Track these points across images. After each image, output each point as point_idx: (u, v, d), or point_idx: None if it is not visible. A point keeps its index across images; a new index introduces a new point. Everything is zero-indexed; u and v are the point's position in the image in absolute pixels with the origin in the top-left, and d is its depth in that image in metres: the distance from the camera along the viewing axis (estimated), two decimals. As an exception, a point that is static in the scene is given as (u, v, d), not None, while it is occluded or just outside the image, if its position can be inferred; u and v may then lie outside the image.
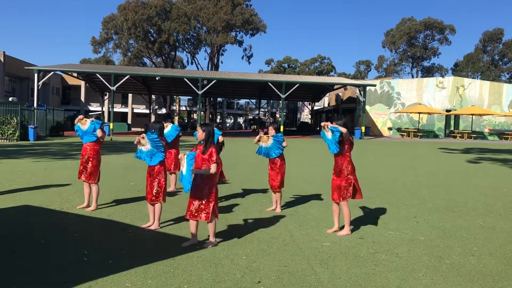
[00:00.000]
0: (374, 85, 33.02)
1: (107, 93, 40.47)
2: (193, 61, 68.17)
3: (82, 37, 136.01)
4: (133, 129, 45.37)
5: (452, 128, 36.82)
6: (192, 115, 70.06)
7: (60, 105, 43.49)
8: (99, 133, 5.99)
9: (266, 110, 76.28)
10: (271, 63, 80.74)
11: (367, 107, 34.81)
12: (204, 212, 4.30)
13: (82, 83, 49.56)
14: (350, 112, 39.28)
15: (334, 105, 44.85)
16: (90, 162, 5.98)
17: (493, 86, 36.75)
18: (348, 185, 4.92)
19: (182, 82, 32.67)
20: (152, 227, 5.03)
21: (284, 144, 6.13)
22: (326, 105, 52.07)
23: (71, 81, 50.14)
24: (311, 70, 75.64)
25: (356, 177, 5.00)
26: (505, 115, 34.89)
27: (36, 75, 28.48)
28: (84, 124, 6.03)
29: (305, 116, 61.46)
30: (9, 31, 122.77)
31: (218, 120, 66.34)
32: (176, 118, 55.64)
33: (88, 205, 6.03)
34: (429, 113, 34.44)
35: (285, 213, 6.02)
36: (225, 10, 46.70)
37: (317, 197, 7.32)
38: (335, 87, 37.57)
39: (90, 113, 49.40)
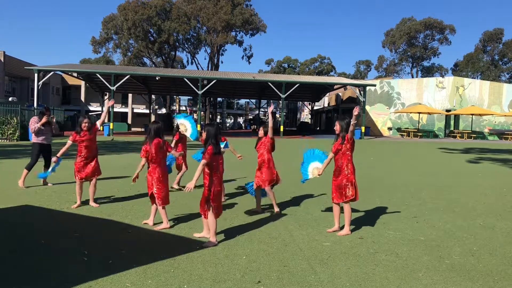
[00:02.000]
0: (374, 85, 33.02)
1: (107, 93, 40.47)
2: (193, 61, 68.18)
3: (82, 37, 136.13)
4: (133, 129, 45.36)
5: (452, 128, 36.82)
6: (192, 115, 70.03)
7: (60, 105, 43.50)
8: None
9: (266, 110, 76.29)
10: (271, 63, 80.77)
11: (367, 107, 34.80)
12: (204, 209, 4.46)
13: (82, 83, 49.58)
14: (350, 112, 39.23)
15: (334, 105, 44.86)
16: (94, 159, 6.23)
17: (493, 86, 36.75)
18: (349, 184, 4.88)
19: (182, 82, 32.67)
20: (162, 227, 5.04)
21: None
22: (326, 105, 52.07)
23: (71, 81, 50.14)
24: (311, 70, 75.64)
25: (355, 178, 4.99)
26: (505, 115, 34.90)
27: (36, 75, 28.48)
28: None
29: (305, 116, 61.48)
30: (9, 31, 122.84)
31: (218, 120, 66.25)
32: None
33: (80, 205, 6.11)
34: (429, 113, 34.44)
35: (285, 213, 6.01)
36: (225, 10, 46.69)
37: (317, 197, 7.32)
38: (335, 87, 37.56)
39: (90, 113, 49.42)
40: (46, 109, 8.00)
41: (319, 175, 5.42)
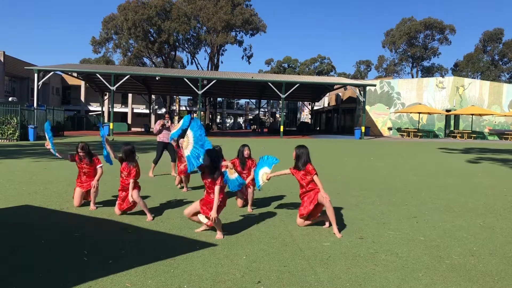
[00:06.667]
0: (374, 85, 33.02)
1: (107, 93, 40.48)
2: (193, 61, 68.31)
3: (82, 37, 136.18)
4: (133, 129, 45.36)
5: (452, 128, 36.83)
6: (192, 115, 70.02)
7: (60, 105, 43.50)
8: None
9: (266, 110, 76.33)
10: (271, 63, 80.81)
11: (367, 107, 34.82)
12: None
13: (82, 83, 49.61)
14: (350, 112, 39.28)
15: (334, 105, 44.87)
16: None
17: (493, 86, 36.75)
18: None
19: (182, 82, 32.68)
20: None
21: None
22: (326, 105, 52.10)
23: (71, 81, 50.17)
24: (311, 70, 75.67)
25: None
26: (505, 115, 34.89)
27: (36, 75, 28.49)
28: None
29: (305, 116, 61.49)
30: (9, 31, 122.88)
31: (218, 120, 66.18)
32: (176, 118, 55.62)
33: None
34: (429, 113, 34.44)
35: (285, 213, 6.02)
36: (225, 10, 46.72)
37: (317, 197, 7.31)
38: (335, 87, 37.57)
39: (90, 113, 49.46)
40: (165, 113, 9.70)
41: (267, 179, 5.59)
